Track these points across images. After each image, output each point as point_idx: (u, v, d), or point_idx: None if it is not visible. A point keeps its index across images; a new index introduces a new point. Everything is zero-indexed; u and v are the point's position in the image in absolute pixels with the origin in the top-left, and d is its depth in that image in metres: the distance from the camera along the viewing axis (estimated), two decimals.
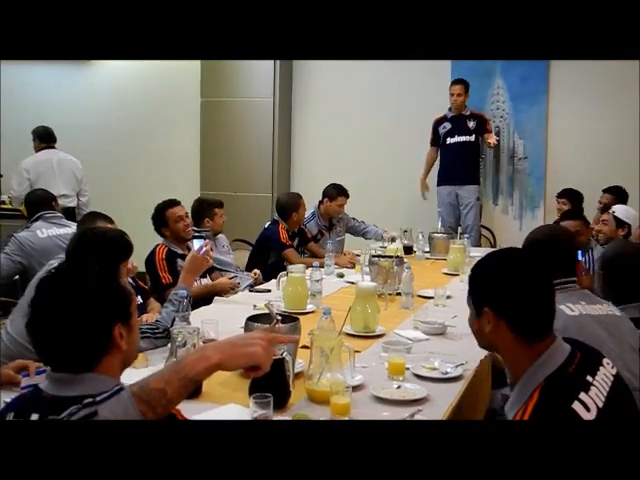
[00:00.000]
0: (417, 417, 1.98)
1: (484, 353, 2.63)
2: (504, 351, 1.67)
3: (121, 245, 2.78)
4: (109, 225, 3.30)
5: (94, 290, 1.43)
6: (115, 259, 2.68)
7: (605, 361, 1.65)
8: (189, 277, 2.94)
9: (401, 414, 2.01)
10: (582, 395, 1.47)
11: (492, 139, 6.23)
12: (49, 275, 1.49)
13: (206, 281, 4.10)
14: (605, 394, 1.52)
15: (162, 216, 4.07)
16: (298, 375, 2.28)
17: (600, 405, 1.48)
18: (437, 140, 6.51)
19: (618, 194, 5.55)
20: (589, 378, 1.53)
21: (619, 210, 4.35)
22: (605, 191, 5.68)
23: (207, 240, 3.40)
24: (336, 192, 5.53)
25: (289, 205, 5.08)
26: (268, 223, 5.17)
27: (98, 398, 1.32)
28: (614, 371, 1.64)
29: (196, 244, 3.16)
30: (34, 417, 1.34)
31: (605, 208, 4.97)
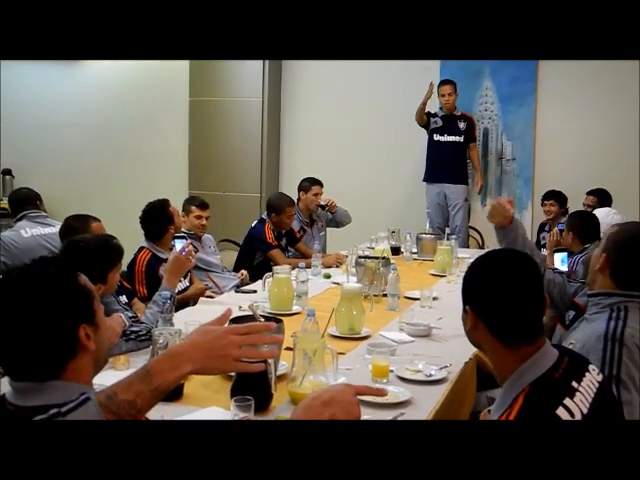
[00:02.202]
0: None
1: (469, 355, 2.63)
2: (488, 351, 1.66)
3: (109, 252, 2.75)
4: (95, 224, 3.29)
5: (53, 291, 1.32)
6: (105, 267, 2.68)
7: (591, 367, 1.62)
8: (172, 278, 2.93)
9: (384, 417, 2.00)
10: (567, 401, 1.45)
11: (480, 185, 6.62)
12: (3, 278, 1.38)
13: (186, 282, 4.08)
14: (590, 400, 1.50)
15: (167, 212, 4.04)
16: (281, 377, 2.27)
17: (585, 411, 1.46)
18: (427, 118, 6.46)
19: (601, 196, 5.58)
20: (574, 384, 1.51)
21: (599, 214, 4.35)
22: (589, 193, 5.71)
23: (189, 240, 3.37)
24: (309, 183, 5.56)
25: (275, 207, 5.05)
26: (255, 222, 5.14)
27: (64, 409, 1.25)
28: (599, 377, 1.61)
29: (178, 245, 3.14)
30: None
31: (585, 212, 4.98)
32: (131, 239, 4.05)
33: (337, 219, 5.81)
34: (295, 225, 5.49)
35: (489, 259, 1.73)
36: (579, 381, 1.52)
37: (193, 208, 4.61)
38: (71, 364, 1.33)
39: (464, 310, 1.68)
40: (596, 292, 2.28)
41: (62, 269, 1.38)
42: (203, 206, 4.66)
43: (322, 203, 5.72)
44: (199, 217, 4.60)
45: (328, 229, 5.91)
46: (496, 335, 1.59)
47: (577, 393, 1.48)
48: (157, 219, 4.01)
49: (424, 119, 6.41)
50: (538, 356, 1.55)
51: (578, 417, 1.44)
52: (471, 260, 3.50)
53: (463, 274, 1.75)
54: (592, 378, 1.57)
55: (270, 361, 2.05)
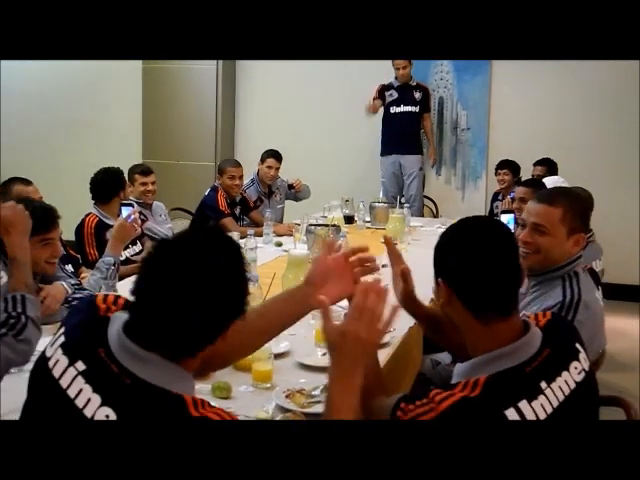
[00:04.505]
0: None
1: (413, 320, 2.64)
2: (463, 327, 1.54)
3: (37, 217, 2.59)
4: (27, 188, 3.23)
5: (239, 277, 1.29)
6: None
7: (574, 365, 1.48)
8: (117, 245, 2.90)
9: (322, 381, 2.01)
10: (522, 403, 1.35)
11: (433, 158, 6.66)
12: (193, 242, 1.30)
13: (137, 248, 4.04)
14: (555, 405, 1.39)
15: (121, 179, 4.07)
16: None
17: (542, 416, 1.36)
18: (382, 99, 6.45)
19: (549, 165, 5.65)
20: (543, 384, 1.40)
21: (548, 182, 4.40)
22: (536, 164, 5.77)
23: (135, 208, 3.34)
24: (266, 155, 5.55)
25: (218, 169, 5.14)
26: (208, 190, 5.11)
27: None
28: (580, 377, 1.47)
29: (124, 212, 3.10)
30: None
31: (538, 179, 5.03)
32: (82, 209, 4.01)
33: (299, 195, 5.81)
34: (252, 195, 5.47)
35: (461, 227, 1.60)
36: (550, 381, 1.41)
37: (137, 176, 4.58)
38: (201, 353, 1.28)
39: (436, 283, 1.57)
40: (554, 268, 2.25)
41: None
42: (146, 172, 4.61)
43: (290, 182, 5.74)
44: (144, 184, 4.57)
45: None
46: (470, 309, 1.49)
47: (540, 396, 1.38)
48: (108, 181, 4.00)
49: (377, 108, 6.43)
50: (519, 345, 1.45)
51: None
52: (424, 229, 3.48)
53: (418, 242, 1.68)
54: (569, 377, 1.45)
55: None
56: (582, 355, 1.52)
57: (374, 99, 6.37)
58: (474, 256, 1.49)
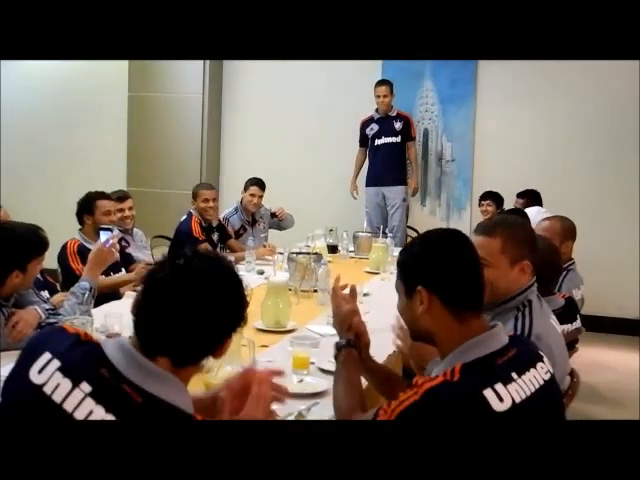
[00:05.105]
0: (313, 409, 1.95)
1: (392, 348, 2.61)
2: (437, 330, 1.62)
3: (34, 241, 2.64)
4: None
5: (240, 292, 1.43)
6: (27, 255, 2.58)
7: (540, 365, 1.60)
8: (94, 270, 2.86)
9: (298, 406, 1.97)
10: (498, 385, 1.44)
11: (414, 187, 6.59)
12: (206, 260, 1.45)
13: (121, 274, 4.00)
14: (527, 394, 1.49)
15: (89, 203, 4.02)
16: None
17: (517, 400, 1.45)
18: (365, 141, 6.52)
19: (531, 197, 5.67)
20: (514, 375, 1.50)
21: (530, 213, 4.41)
22: (519, 195, 5.79)
23: (115, 233, 3.31)
24: (249, 183, 5.53)
25: (192, 193, 5.10)
26: (184, 216, 5.08)
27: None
28: (547, 376, 1.59)
29: (102, 236, 3.06)
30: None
31: (520, 209, 5.05)
32: (65, 236, 3.98)
33: (282, 224, 5.79)
34: (236, 223, 5.44)
35: (430, 238, 1.73)
36: (520, 374, 1.52)
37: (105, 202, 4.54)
38: (201, 360, 1.41)
39: (410, 295, 1.64)
40: (506, 299, 2.20)
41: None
42: (121, 198, 4.57)
43: (273, 211, 5.71)
44: (120, 210, 4.51)
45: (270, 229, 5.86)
46: (450, 307, 1.60)
47: (513, 383, 1.48)
48: (80, 206, 4.01)
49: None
50: (488, 336, 1.57)
51: (508, 403, 1.43)
52: None
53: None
54: (537, 374, 1.56)
55: None
56: (545, 359, 1.65)
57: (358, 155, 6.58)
58: (451, 259, 1.64)
